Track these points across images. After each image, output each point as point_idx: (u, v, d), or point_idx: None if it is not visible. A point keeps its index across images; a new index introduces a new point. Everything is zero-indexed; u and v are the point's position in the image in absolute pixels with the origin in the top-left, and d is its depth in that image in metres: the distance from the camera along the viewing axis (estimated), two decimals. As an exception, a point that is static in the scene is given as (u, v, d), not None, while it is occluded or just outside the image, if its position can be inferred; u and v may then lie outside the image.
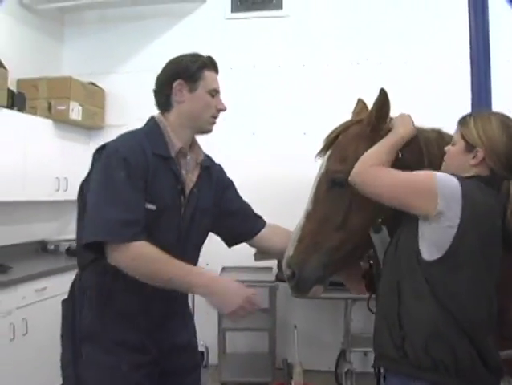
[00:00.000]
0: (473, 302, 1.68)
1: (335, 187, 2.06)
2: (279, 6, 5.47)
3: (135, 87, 5.66)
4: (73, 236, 5.71)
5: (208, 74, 2.16)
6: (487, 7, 4.57)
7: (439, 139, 2.03)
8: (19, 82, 5.06)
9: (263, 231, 2.41)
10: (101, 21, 5.88)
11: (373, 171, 1.84)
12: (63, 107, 5.06)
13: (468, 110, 4.63)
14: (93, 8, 5.80)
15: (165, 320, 2.17)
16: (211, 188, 2.29)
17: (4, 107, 4.48)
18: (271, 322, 4.66)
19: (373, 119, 2.05)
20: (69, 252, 5.23)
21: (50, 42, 5.76)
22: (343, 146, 2.12)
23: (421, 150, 1.98)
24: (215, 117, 2.20)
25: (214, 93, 2.17)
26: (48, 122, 5.07)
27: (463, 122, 1.87)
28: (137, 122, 5.69)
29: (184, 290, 2.07)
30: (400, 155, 1.95)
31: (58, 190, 5.11)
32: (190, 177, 2.19)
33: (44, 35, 5.64)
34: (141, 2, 5.64)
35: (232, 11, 5.55)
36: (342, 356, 4.57)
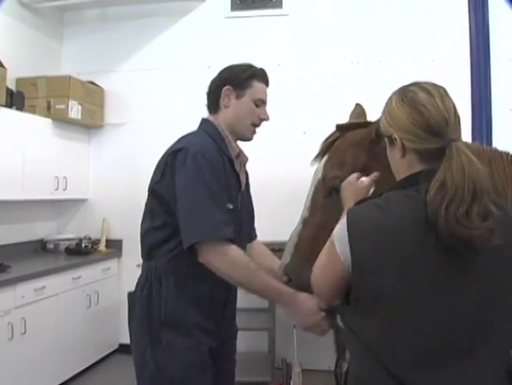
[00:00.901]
0: (391, 343, 1.40)
1: (332, 193, 2.04)
2: (279, 4, 5.45)
3: (134, 85, 5.66)
4: (72, 235, 5.73)
5: (257, 84, 2.32)
6: (487, 6, 4.57)
7: None
8: (18, 80, 5.05)
9: (252, 244, 2.57)
10: (100, 20, 5.87)
11: (312, 280, 1.67)
12: (62, 106, 5.05)
13: (468, 108, 4.66)
14: (92, 7, 5.79)
15: (225, 307, 2.33)
16: (248, 188, 2.50)
17: (3, 106, 4.47)
18: (271, 321, 4.65)
19: (374, 136, 2.01)
20: (68, 251, 5.23)
21: (50, 40, 5.75)
22: (340, 151, 2.10)
23: None
24: (256, 125, 2.35)
25: (259, 103, 2.32)
26: (47, 121, 5.06)
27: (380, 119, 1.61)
28: (136, 121, 5.68)
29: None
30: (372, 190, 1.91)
31: (57, 189, 5.11)
32: (241, 178, 2.37)
33: (43, 34, 5.62)
34: (140, 0, 5.62)
35: (231, 10, 5.53)
36: (342, 356, 4.55)
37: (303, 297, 2.03)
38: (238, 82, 2.29)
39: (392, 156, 1.56)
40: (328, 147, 2.16)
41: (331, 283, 1.55)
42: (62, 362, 4.53)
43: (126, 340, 5.44)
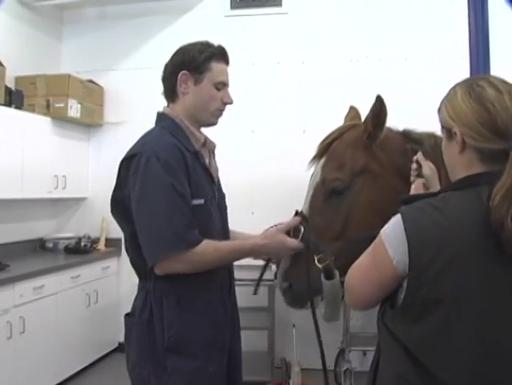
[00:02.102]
0: (445, 348, 1.33)
1: (332, 195, 2.01)
2: (279, 2, 5.43)
3: (133, 84, 5.65)
4: (72, 234, 5.72)
5: (215, 65, 2.12)
6: (487, 4, 4.56)
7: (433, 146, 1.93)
8: (17, 79, 5.04)
9: None
10: (100, 18, 5.86)
11: (348, 283, 1.56)
12: (62, 105, 5.04)
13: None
14: (91, 5, 5.79)
15: (233, 309, 2.22)
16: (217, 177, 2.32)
17: (2, 104, 4.47)
18: (270, 320, 4.64)
19: (369, 127, 1.99)
20: (67, 250, 5.22)
21: (49, 39, 5.73)
22: (339, 153, 2.07)
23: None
24: (221, 110, 2.17)
25: (221, 86, 2.13)
26: (46, 119, 5.05)
27: (438, 110, 1.53)
28: (136, 119, 5.68)
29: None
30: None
31: (56, 188, 5.10)
32: (214, 165, 2.23)
33: (42, 33, 5.61)
34: (140, -1, 5.62)
35: (231, 8, 5.53)
36: (341, 355, 4.55)
37: (268, 234, 2.02)
38: (195, 65, 2.09)
39: (448, 149, 1.47)
40: (325, 149, 2.12)
41: (375, 287, 1.45)
42: (62, 361, 4.52)
43: (125, 339, 5.35)
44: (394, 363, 1.42)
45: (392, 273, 1.37)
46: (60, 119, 5.16)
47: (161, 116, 2.19)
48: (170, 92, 2.17)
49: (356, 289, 1.52)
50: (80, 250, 5.22)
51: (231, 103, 2.17)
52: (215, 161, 2.26)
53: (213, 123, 2.19)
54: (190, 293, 2.02)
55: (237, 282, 2.33)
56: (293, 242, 2.00)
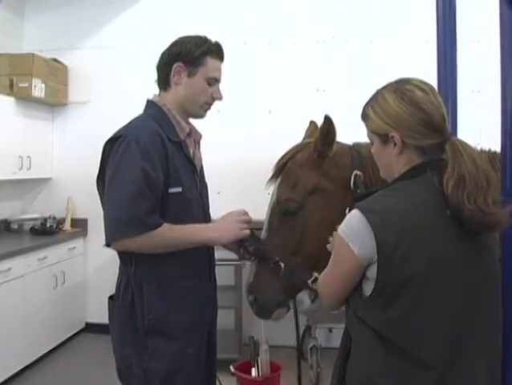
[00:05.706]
0: (417, 329, 1.43)
1: (286, 215, 2.12)
2: (245, -18, 5.40)
3: (98, 63, 5.59)
4: (37, 214, 5.66)
5: (210, 61, 2.18)
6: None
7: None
8: (-21, 58, 4.93)
9: None
10: (63, -5, 5.74)
11: (320, 289, 1.69)
12: (26, 84, 4.95)
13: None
14: (55, -18, 5.67)
15: (214, 293, 2.34)
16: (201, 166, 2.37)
17: (-37, 83, 4.38)
18: (237, 299, 4.69)
19: (319, 146, 2.09)
20: (33, 231, 5.19)
21: (11, 16, 5.61)
22: (291, 173, 2.17)
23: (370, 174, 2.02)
24: (209, 104, 2.23)
25: (213, 82, 2.20)
26: (10, 99, 4.97)
27: (364, 116, 1.62)
28: (100, 99, 5.61)
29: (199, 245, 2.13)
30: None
31: (21, 169, 5.04)
32: (198, 155, 2.28)
33: (4, 10, 5.46)
34: (104, -24, 5.52)
35: (198, -14, 5.47)
36: (307, 332, 4.63)
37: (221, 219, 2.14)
38: (191, 59, 2.14)
39: (385, 153, 1.58)
40: (281, 169, 2.22)
41: (341, 284, 1.54)
42: (30, 343, 4.51)
43: (92, 319, 5.41)
44: (369, 353, 1.49)
45: (354, 265, 1.47)
46: (24, 98, 5.09)
47: (150, 104, 2.25)
48: (163, 81, 2.22)
49: (327, 292, 1.62)
50: (46, 231, 5.19)
51: (220, 99, 2.24)
52: (199, 151, 2.32)
53: (201, 116, 2.27)
54: (170, 279, 2.09)
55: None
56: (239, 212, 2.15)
